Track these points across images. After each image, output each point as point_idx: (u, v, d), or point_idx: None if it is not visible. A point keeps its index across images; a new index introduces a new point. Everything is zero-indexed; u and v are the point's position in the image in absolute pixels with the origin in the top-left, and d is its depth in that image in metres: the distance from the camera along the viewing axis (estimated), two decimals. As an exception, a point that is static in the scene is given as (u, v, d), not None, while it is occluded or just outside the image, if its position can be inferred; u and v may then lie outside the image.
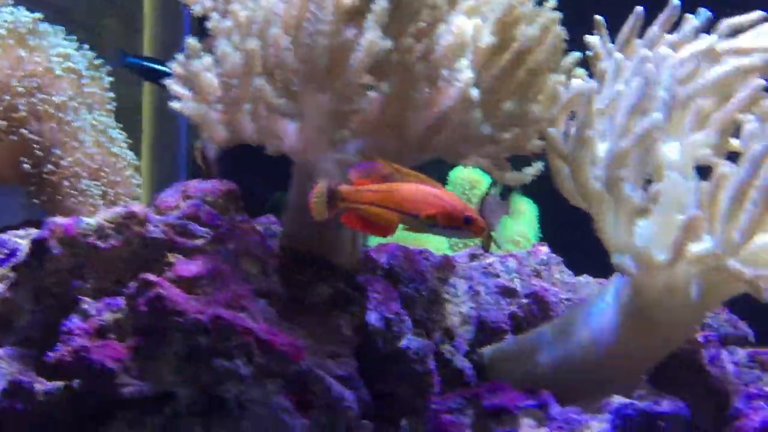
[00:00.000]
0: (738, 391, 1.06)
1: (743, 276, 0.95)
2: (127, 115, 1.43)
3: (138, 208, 1.04)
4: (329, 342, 1.07)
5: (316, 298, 1.10)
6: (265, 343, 0.94)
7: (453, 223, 0.85)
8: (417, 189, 0.85)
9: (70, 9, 2.19)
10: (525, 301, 1.30)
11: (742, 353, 1.25)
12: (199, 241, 1.05)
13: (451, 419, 0.97)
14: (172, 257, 1.00)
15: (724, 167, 0.96)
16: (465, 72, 1.01)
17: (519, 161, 1.10)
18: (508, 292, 1.31)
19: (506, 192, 1.62)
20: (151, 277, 0.93)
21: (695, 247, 0.98)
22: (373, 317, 1.11)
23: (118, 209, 1.04)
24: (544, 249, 1.39)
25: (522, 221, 1.81)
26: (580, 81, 1.08)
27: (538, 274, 1.37)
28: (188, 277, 0.96)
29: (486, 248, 1.32)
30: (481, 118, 1.02)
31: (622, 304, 1.06)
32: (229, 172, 2.01)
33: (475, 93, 0.98)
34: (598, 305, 1.10)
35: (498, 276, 1.32)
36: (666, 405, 0.93)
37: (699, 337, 1.26)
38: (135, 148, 1.37)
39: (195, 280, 0.97)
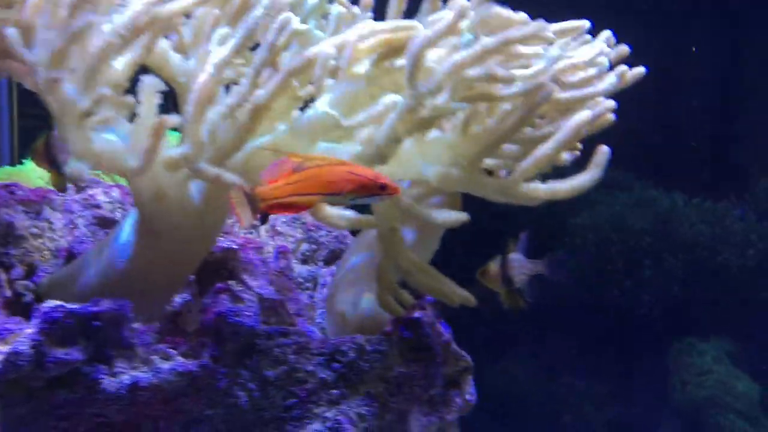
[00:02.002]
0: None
1: (207, 176, 0.91)
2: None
3: None
4: None
5: None
6: None
7: (371, 192, 0.88)
8: (330, 171, 0.88)
9: None
10: (121, 229, 1.24)
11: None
12: None
13: None
14: None
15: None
16: None
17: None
18: (106, 223, 1.26)
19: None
20: None
21: (170, 152, 0.94)
22: None
23: None
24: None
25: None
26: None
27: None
28: None
29: (58, 188, 1.25)
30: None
31: (134, 217, 1.02)
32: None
33: None
34: (124, 221, 1.05)
35: (99, 207, 1.27)
36: (104, 305, 0.89)
37: (274, 249, 1.24)
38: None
39: None
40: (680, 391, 2.80)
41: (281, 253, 1.23)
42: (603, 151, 0.92)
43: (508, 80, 0.89)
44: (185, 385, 0.87)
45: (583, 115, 0.89)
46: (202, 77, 0.90)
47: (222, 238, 1.28)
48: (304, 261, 1.41)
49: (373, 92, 0.97)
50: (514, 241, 1.13)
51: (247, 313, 0.91)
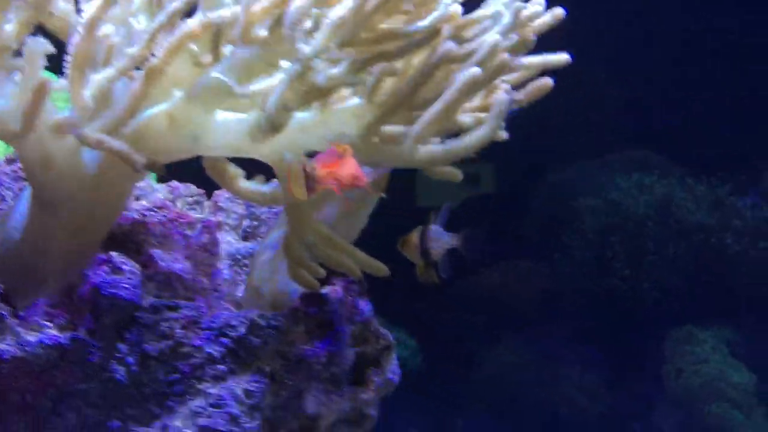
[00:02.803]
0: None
1: (90, 142, 0.87)
2: None
3: None
4: None
5: None
6: None
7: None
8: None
9: None
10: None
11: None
12: None
13: None
14: None
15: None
16: None
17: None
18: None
19: None
20: None
21: (55, 116, 0.89)
22: None
23: None
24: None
25: None
26: None
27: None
28: None
29: None
30: None
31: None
32: None
33: None
34: (24, 190, 1.01)
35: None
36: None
37: (200, 223, 1.19)
38: None
39: None
40: (675, 379, 2.70)
41: (205, 227, 1.18)
42: (500, 100, 0.84)
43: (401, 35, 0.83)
44: (55, 358, 0.83)
45: (469, 73, 0.82)
46: (75, 37, 0.85)
47: (154, 212, 1.24)
48: (245, 238, 1.36)
49: (270, 58, 0.91)
50: (435, 213, 1.07)
51: (124, 284, 0.86)
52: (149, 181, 1.40)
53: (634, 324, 2.97)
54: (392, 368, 1.10)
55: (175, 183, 1.41)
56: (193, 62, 0.98)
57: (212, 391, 0.87)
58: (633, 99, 3.39)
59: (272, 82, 0.88)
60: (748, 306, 2.93)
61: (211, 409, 0.86)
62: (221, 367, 0.88)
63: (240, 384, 0.88)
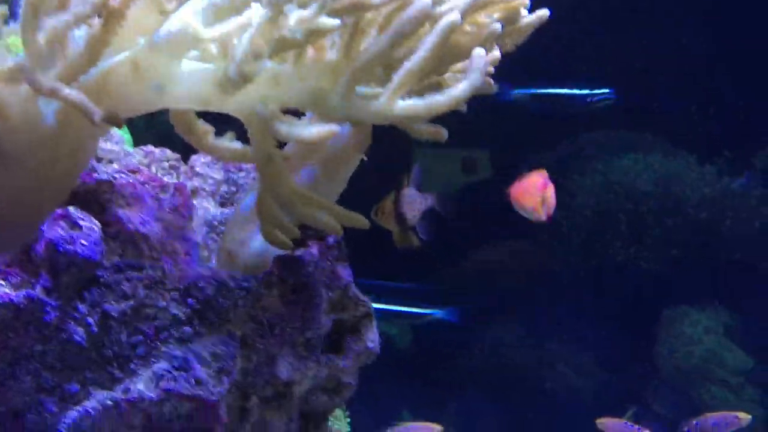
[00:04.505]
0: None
1: (43, 89, 0.82)
2: None
3: None
4: None
5: None
6: None
7: None
8: None
9: None
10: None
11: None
12: None
13: None
14: None
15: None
16: None
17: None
18: None
19: None
20: None
21: (7, 62, 0.84)
22: None
23: None
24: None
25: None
26: None
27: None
28: None
29: None
30: None
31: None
32: None
33: None
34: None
35: None
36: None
37: (173, 186, 1.15)
38: None
39: None
40: (668, 359, 2.68)
41: (178, 190, 1.14)
42: (478, 54, 0.80)
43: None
44: (9, 318, 0.78)
45: (449, 17, 0.77)
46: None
47: (124, 175, 1.20)
48: (222, 204, 1.32)
49: (240, 4, 0.86)
50: (407, 175, 1.03)
51: (82, 241, 0.82)
52: (123, 146, 1.35)
53: (630, 304, 2.94)
54: (372, 336, 1.06)
55: (150, 147, 1.36)
56: (158, 10, 0.93)
57: (177, 353, 0.82)
58: (628, 78, 3.34)
59: (242, 21, 0.82)
60: (746, 288, 2.90)
61: (175, 372, 0.81)
62: (187, 329, 0.84)
63: (207, 347, 0.84)
